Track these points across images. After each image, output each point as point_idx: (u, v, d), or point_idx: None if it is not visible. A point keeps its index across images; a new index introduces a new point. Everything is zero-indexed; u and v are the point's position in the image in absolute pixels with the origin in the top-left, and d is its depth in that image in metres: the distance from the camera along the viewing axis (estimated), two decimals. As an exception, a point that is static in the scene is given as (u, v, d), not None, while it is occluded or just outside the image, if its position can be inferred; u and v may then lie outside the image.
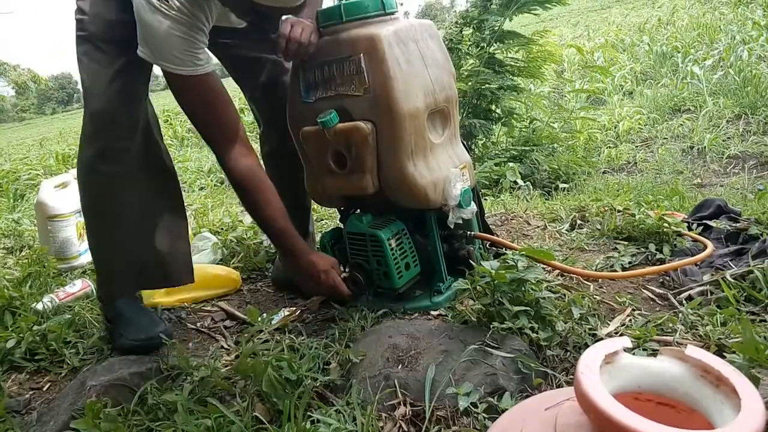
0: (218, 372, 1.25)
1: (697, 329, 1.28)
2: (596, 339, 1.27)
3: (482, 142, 4.17)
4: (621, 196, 2.74)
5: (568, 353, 1.22)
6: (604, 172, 4.44)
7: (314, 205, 2.75)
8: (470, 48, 4.09)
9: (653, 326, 1.28)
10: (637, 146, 5.03)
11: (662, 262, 1.69)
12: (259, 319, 1.51)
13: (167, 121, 9.47)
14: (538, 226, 2.19)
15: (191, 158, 6.50)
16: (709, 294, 1.44)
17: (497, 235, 1.84)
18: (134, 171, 1.45)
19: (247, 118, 5.60)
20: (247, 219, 2.49)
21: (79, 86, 1.57)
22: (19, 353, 1.44)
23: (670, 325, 1.31)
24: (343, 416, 1.07)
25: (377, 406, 1.09)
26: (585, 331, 1.28)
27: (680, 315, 1.35)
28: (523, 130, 4.42)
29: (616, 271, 1.65)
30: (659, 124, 5.34)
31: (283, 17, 1.39)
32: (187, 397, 1.15)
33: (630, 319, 1.38)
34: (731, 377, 0.54)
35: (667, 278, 1.58)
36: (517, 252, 1.39)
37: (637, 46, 8.26)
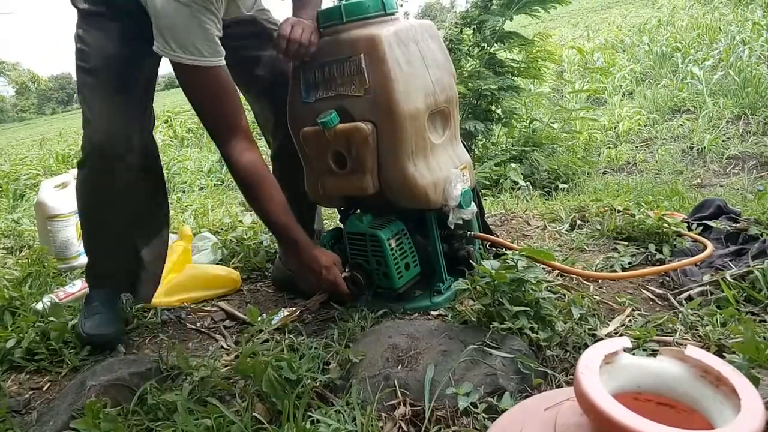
0: (218, 372, 1.25)
1: (696, 329, 1.28)
2: (596, 339, 1.27)
3: (482, 142, 4.17)
4: (621, 196, 2.74)
5: (568, 353, 1.22)
6: (604, 173, 4.45)
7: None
8: (471, 48, 4.09)
9: (653, 326, 1.28)
10: (637, 147, 5.03)
11: (662, 262, 1.69)
12: (259, 319, 1.51)
13: (167, 121, 9.48)
14: (538, 227, 2.19)
15: (191, 158, 6.50)
16: (708, 294, 1.44)
17: (497, 236, 1.84)
18: (131, 191, 1.49)
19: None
20: (247, 219, 2.50)
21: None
22: (19, 353, 1.44)
23: (670, 325, 1.31)
24: (343, 416, 1.07)
25: (377, 406, 1.09)
26: (585, 331, 1.28)
27: (680, 315, 1.35)
28: (523, 130, 4.43)
29: (615, 271, 1.65)
30: (659, 125, 5.34)
31: (284, 18, 1.40)
32: (186, 397, 1.15)
33: (630, 320, 1.38)
34: (731, 377, 0.54)
35: (667, 278, 1.58)
36: (517, 252, 1.39)
37: (636, 47, 8.26)
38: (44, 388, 1.36)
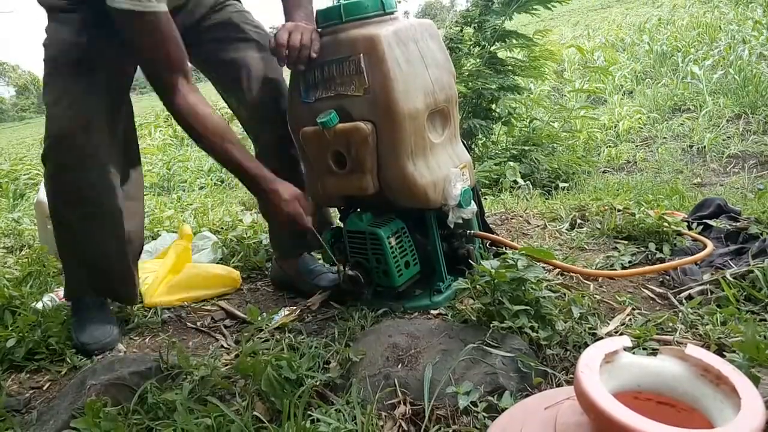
0: (218, 371, 1.25)
1: (697, 328, 1.27)
2: (596, 338, 1.27)
3: (482, 141, 4.17)
4: (621, 195, 2.74)
5: (568, 352, 1.22)
6: (604, 172, 4.45)
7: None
8: (471, 48, 4.09)
9: (653, 325, 1.28)
10: (637, 145, 5.04)
11: (662, 261, 1.69)
12: (259, 318, 1.51)
13: (167, 120, 9.47)
14: (538, 226, 2.19)
15: (191, 158, 6.50)
16: (709, 293, 1.44)
17: (497, 235, 1.84)
18: (100, 194, 1.47)
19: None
20: (247, 218, 2.50)
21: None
22: (20, 352, 1.44)
23: (670, 324, 1.31)
24: (343, 415, 1.07)
25: (377, 405, 1.09)
26: (585, 330, 1.28)
27: (680, 314, 1.35)
28: (523, 129, 4.43)
29: (616, 270, 1.65)
30: (659, 124, 5.34)
31: (280, 24, 1.40)
32: (187, 396, 1.15)
33: (630, 319, 1.38)
34: (731, 376, 0.54)
35: (667, 277, 1.58)
36: (517, 251, 1.39)
37: (637, 46, 8.26)
38: (44, 388, 1.36)
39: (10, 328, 1.49)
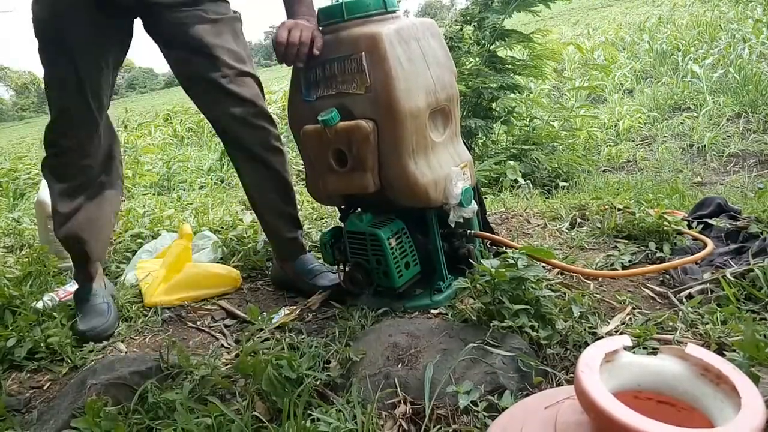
0: (218, 370, 1.25)
1: (697, 327, 1.27)
2: (596, 337, 1.27)
3: (482, 140, 4.17)
4: (621, 194, 2.74)
5: (568, 352, 1.22)
6: (604, 171, 4.45)
7: (315, 204, 2.76)
8: (471, 46, 4.09)
9: (653, 325, 1.28)
10: (637, 145, 5.03)
11: (662, 260, 1.69)
12: (260, 317, 1.51)
13: (167, 120, 9.47)
14: (539, 225, 2.19)
15: (191, 157, 6.50)
16: (709, 292, 1.44)
17: (498, 234, 1.84)
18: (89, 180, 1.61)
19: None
20: (247, 218, 2.49)
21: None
22: (20, 352, 1.44)
23: (671, 323, 1.31)
24: (344, 415, 1.07)
25: (377, 405, 1.09)
26: (585, 329, 1.28)
27: (680, 313, 1.35)
28: (523, 128, 4.43)
29: (616, 269, 1.65)
30: (659, 123, 5.34)
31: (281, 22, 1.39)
32: (187, 396, 1.15)
33: (630, 318, 1.38)
34: (731, 375, 0.54)
35: (668, 276, 1.58)
36: (518, 250, 1.39)
37: (637, 45, 8.26)
38: (45, 387, 1.37)
39: (10, 328, 1.49)
